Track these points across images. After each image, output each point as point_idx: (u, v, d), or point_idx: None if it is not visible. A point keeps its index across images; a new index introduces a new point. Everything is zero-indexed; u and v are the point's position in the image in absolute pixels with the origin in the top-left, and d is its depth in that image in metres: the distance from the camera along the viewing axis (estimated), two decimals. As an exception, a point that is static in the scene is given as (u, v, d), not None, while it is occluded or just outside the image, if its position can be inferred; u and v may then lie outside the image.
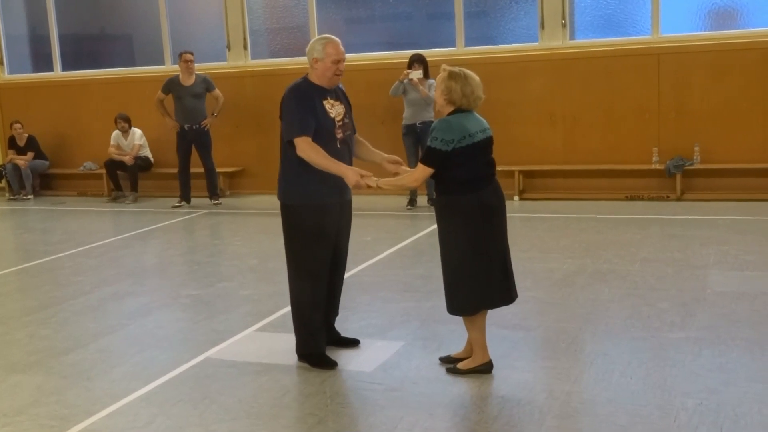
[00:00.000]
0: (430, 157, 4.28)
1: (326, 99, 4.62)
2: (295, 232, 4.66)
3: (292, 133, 4.53)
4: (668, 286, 5.99)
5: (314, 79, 4.64)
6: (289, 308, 5.77)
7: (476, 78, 4.36)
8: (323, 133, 4.54)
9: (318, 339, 4.75)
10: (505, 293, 4.47)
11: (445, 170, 4.29)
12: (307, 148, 4.48)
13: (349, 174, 4.44)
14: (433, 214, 4.69)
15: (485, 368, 4.46)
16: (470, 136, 4.27)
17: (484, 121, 4.44)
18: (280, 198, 4.74)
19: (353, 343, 4.98)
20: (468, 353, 4.58)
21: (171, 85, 10.98)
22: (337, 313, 5.01)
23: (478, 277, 4.34)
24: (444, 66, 4.41)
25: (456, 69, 4.36)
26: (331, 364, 4.67)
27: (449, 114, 4.33)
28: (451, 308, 4.46)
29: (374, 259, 7.18)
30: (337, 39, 4.66)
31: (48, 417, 4.17)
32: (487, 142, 4.40)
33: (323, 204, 4.62)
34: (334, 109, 4.64)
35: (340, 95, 4.75)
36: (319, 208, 4.60)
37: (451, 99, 4.31)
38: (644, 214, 8.91)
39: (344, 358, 4.79)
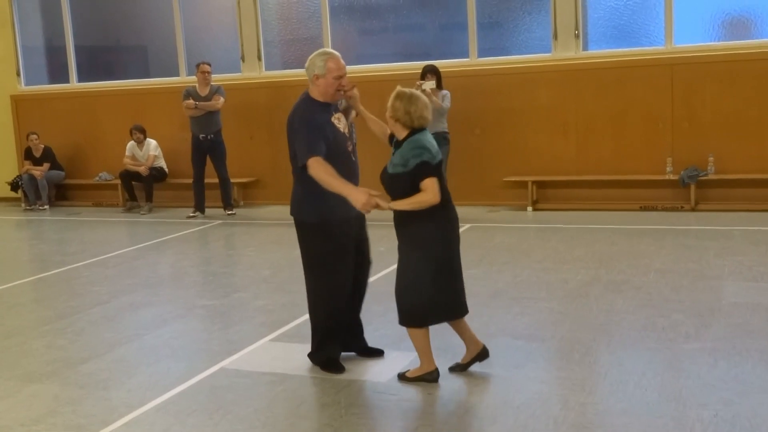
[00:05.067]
0: (428, 170, 4.31)
1: (332, 115, 4.61)
2: (314, 249, 4.67)
3: (303, 157, 4.47)
4: (683, 297, 5.98)
5: (316, 95, 4.59)
6: (302, 319, 5.83)
7: (423, 99, 4.45)
8: (338, 151, 4.54)
9: (332, 346, 4.79)
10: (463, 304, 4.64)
11: (417, 188, 4.32)
12: (318, 168, 4.41)
13: (356, 195, 4.33)
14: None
15: (432, 376, 4.55)
16: (437, 153, 4.41)
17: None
18: (295, 215, 4.73)
19: (377, 353, 5.00)
20: (473, 354, 4.68)
21: (188, 95, 11.02)
22: (361, 326, 5.03)
23: (447, 288, 4.50)
24: (398, 87, 4.52)
25: (405, 90, 4.46)
26: (340, 369, 4.72)
27: (410, 136, 4.40)
28: (416, 321, 4.52)
29: (387, 270, 7.18)
30: (337, 53, 4.61)
31: (64, 427, 4.20)
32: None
33: (341, 220, 4.61)
34: (341, 122, 4.65)
35: (339, 105, 4.74)
36: (338, 224, 4.60)
37: (395, 116, 4.41)
38: (658, 225, 8.89)
39: (359, 368, 4.81)
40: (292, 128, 4.57)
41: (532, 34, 10.63)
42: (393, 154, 4.50)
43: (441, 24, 11.43)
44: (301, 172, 4.60)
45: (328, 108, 4.62)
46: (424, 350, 4.56)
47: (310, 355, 4.89)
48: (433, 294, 4.44)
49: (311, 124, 4.50)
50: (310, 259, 4.71)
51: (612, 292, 6.23)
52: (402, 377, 4.60)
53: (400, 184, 4.36)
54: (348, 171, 4.58)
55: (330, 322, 4.76)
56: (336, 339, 4.82)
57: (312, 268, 4.73)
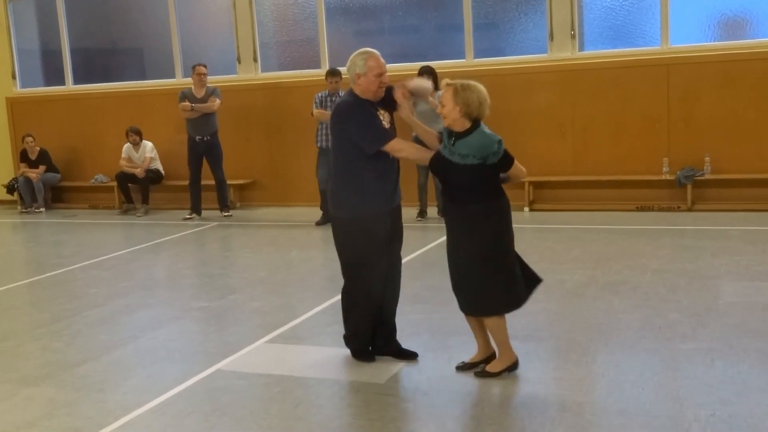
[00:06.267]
0: (509, 157, 4.44)
1: (377, 110, 4.71)
2: (351, 245, 4.74)
3: (379, 142, 4.59)
4: (680, 297, 5.97)
5: (359, 93, 4.69)
6: (298, 321, 5.85)
7: (483, 87, 4.51)
8: None
9: (365, 337, 4.89)
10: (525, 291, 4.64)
11: (489, 177, 4.42)
12: (405, 147, 4.62)
13: None
14: (443, 225, 4.72)
15: (515, 367, 4.59)
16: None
17: None
18: (333, 211, 4.84)
19: (411, 356, 4.96)
20: (483, 355, 4.68)
21: (184, 97, 11.01)
22: (394, 327, 5.03)
23: (515, 274, 4.54)
24: (446, 80, 4.48)
25: (465, 82, 4.46)
26: (370, 358, 4.85)
27: (474, 128, 4.42)
28: (490, 309, 4.54)
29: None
30: (376, 51, 4.71)
31: (60, 429, 4.18)
32: None
33: (377, 215, 4.69)
34: (384, 119, 4.73)
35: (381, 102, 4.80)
36: (373, 219, 4.68)
37: (470, 111, 4.40)
38: (655, 225, 8.89)
39: (356, 369, 4.80)
40: (346, 123, 4.67)
41: (528, 34, 10.63)
42: (451, 144, 4.47)
43: (437, 25, 11.43)
44: (343, 168, 4.70)
45: (372, 105, 4.72)
46: (505, 340, 4.58)
47: (345, 338, 4.98)
48: (514, 273, 4.52)
49: (369, 113, 4.63)
50: (347, 256, 4.78)
51: (609, 292, 6.22)
52: (482, 374, 4.57)
53: (472, 173, 4.40)
54: (387, 167, 4.71)
55: (366, 317, 4.84)
56: (369, 331, 4.89)
57: (349, 266, 4.80)
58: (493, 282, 4.47)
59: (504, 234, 4.53)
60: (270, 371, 4.88)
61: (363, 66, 4.63)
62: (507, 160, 4.42)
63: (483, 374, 4.56)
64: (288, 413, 4.25)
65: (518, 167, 4.51)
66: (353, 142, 4.62)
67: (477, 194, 4.45)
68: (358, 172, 4.64)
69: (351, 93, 4.73)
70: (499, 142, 4.39)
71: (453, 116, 4.42)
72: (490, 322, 4.57)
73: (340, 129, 4.71)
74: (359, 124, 4.63)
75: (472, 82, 4.45)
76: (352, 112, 4.66)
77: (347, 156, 4.68)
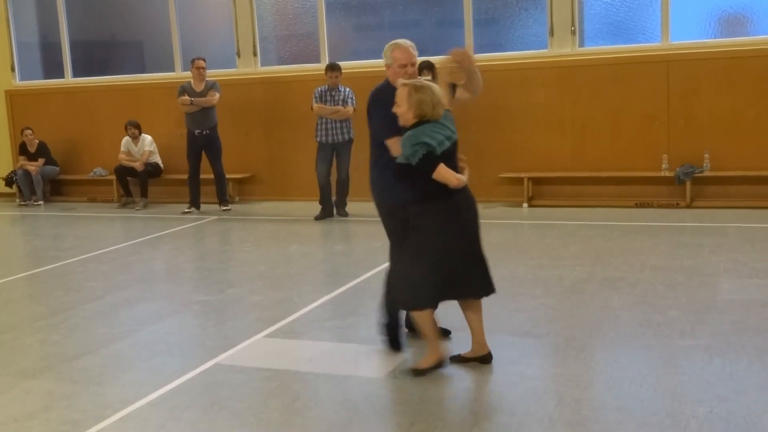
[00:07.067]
0: (433, 161, 4.33)
1: None
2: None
3: (384, 136, 4.68)
4: (678, 294, 5.98)
5: (391, 81, 4.77)
6: (297, 315, 5.84)
7: (438, 88, 4.48)
8: (400, 135, 4.71)
9: (397, 325, 4.97)
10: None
11: (416, 177, 4.38)
12: (391, 145, 4.65)
13: None
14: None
15: (440, 365, 4.59)
16: (441, 141, 4.38)
17: (449, 125, 4.49)
18: (374, 197, 4.88)
19: (445, 333, 5.08)
20: (475, 354, 4.68)
21: (183, 91, 11.01)
22: None
23: (428, 277, 4.46)
24: (401, 81, 4.50)
25: (419, 82, 4.46)
26: (397, 347, 4.91)
27: (413, 126, 4.39)
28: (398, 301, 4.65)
29: (383, 266, 7.17)
30: (406, 43, 4.77)
31: (59, 422, 4.18)
32: (453, 148, 4.49)
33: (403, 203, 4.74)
34: None
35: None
36: (401, 206, 4.69)
37: (423, 113, 4.37)
38: (654, 222, 8.89)
39: (354, 364, 4.81)
40: (370, 110, 4.83)
41: (528, 30, 10.62)
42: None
43: (437, 20, 11.42)
44: (377, 153, 4.78)
45: None
46: (428, 336, 4.57)
47: (382, 324, 5.04)
48: (421, 275, 4.45)
49: (385, 106, 4.66)
50: (391, 239, 4.84)
51: (607, 288, 6.22)
52: (414, 372, 4.56)
53: (400, 171, 4.45)
54: None
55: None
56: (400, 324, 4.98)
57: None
58: (402, 276, 4.54)
59: (436, 235, 4.44)
60: (269, 365, 4.88)
61: (389, 57, 4.76)
62: (424, 166, 4.32)
63: (414, 372, 4.56)
64: (286, 407, 4.26)
65: (444, 176, 4.33)
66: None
67: (411, 192, 4.46)
68: (389, 158, 4.65)
69: (387, 81, 4.83)
70: (420, 144, 4.29)
71: (407, 117, 4.41)
72: (413, 314, 4.64)
73: (371, 114, 4.85)
74: (376, 114, 4.75)
75: (427, 83, 4.44)
76: (375, 101, 4.79)
77: (379, 141, 4.74)
